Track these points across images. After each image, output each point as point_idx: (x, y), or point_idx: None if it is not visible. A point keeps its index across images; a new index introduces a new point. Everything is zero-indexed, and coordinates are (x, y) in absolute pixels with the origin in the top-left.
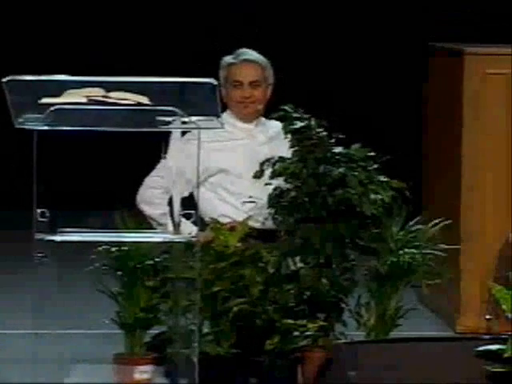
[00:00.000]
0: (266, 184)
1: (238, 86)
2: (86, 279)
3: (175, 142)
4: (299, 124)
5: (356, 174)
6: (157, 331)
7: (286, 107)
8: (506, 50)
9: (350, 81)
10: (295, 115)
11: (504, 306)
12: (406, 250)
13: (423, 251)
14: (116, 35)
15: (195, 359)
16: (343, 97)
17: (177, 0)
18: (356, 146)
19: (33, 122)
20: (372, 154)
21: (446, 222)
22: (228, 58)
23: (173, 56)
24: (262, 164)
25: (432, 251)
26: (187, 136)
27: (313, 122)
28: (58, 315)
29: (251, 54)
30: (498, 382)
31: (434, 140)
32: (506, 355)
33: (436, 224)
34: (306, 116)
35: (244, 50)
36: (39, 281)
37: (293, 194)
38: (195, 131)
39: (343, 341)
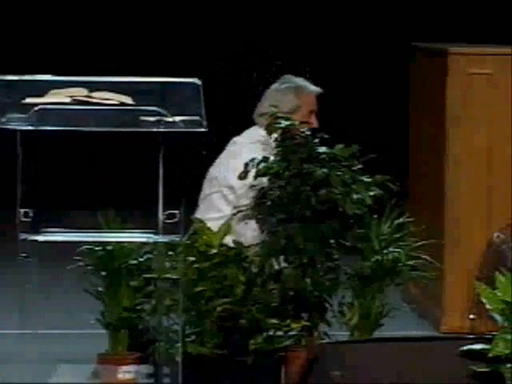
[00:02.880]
0: (251, 186)
1: (312, 113)
2: (70, 279)
3: None
4: (283, 123)
5: (340, 173)
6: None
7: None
8: (489, 49)
9: (334, 81)
10: (279, 114)
11: (488, 306)
12: (391, 249)
13: (407, 252)
14: (99, 35)
15: (179, 359)
16: (328, 97)
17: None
18: (340, 146)
19: (16, 122)
20: (356, 153)
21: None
22: (305, 86)
23: (156, 56)
24: (246, 165)
25: (417, 253)
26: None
27: (297, 122)
28: (42, 315)
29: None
30: (482, 382)
31: (419, 139)
32: (490, 355)
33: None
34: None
35: (298, 78)
36: (23, 281)
37: (276, 193)
38: None
39: (327, 340)
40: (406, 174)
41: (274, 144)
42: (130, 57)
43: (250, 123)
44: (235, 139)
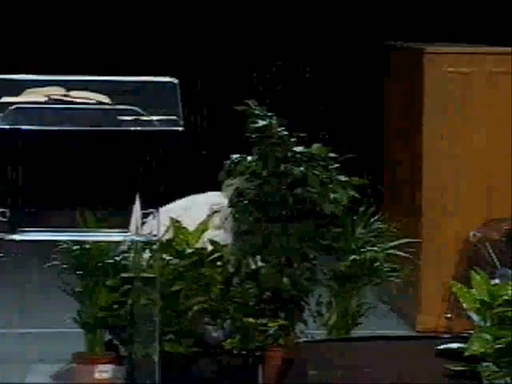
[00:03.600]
0: (228, 185)
1: None
2: (46, 278)
3: None
4: (261, 123)
5: (317, 173)
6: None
7: (249, 102)
8: (465, 48)
9: (310, 80)
10: (257, 112)
11: (464, 305)
12: (368, 248)
13: (385, 250)
14: (77, 35)
15: (156, 358)
16: (305, 96)
17: None
18: (317, 145)
19: None
20: (332, 154)
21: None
22: None
23: (134, 55)
24: (225, 165)
25: (393, 251)
26: None
27: (274, 121)
28: (17, 314)
29: None
30: (458, 381)
31: (395, 138)
32: (466, 354)
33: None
34: (268, 114)
35: None
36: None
37: (253, 193)
38: None
39: (304, 339)
40: (381, 173)
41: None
42: (108, 56)
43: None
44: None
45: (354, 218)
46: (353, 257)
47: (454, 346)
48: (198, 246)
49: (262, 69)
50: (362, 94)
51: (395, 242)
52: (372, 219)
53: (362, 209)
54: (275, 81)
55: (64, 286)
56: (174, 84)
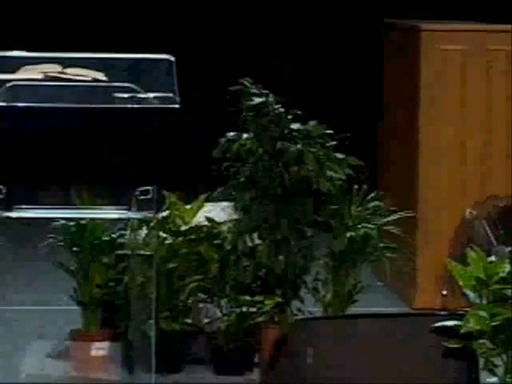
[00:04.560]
0: (226, 167)
1: None
2: (43, 256)
3: None
4: (256, 100)
5: (313, 150)
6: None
7: (244, 81)
8: (461, 26)
9: (308, 58)
10: (253, 91)
11: (460, 283)
12: (364, 225)
13: (380, 226)
14: (73, 11)
15: (152, 335)
16: (301, 74)
17: None
18: (313, 122)
19: None
20: (329, 131)
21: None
22: None
23: (130, 32)
24: (220, 143)
25: (389, 227)
26: None
27: (270, 99)
28: (14, 292)
29: None
30: (454, 358)
31: (392, 117)
32: (462, 331)
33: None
34: (263, 92)
35: None
36: None
37: (249, 171)
38: None
39: (300, 317)
40: (376, 152)
41: None
42: (104, 33)
43: None
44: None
45: (350, 195)
46: (349, 234)
47: (450, 323)
48: (194, 223)
49: (258, 47)
50: (360, 72)
51: (390, 218)
52: (368, 197)
53: (356, 187)
54: (272, 58)
55: (60, 263)
56: (171, 61)
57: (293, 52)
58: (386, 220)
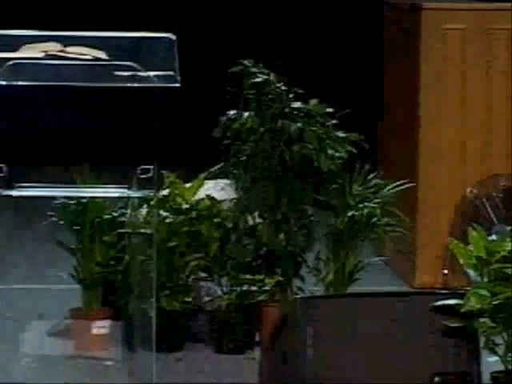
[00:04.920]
0: (226, 145)
1: None
2: (43, 234)
3: None
4: (258, 78)
5: (314, 129)
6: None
7: (245, 61)
8: (463, 5)
9: (309, 36)
10: (254, 70)
11: (461, 261)
12: (366, 203)
13: (382, 204)
14: None
15: (152, 314)
16: (302, 52)
17: None
18: (314, 101)
19: None
20: (330, 109)
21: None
22: None
23: (131, 10)
24: (221, 122)
25: (390, 206)
26: None
27: (272, 77)
28: (14, 270)
29: None
30: (455, 337)
31: (392, 95)
32: (462, 310)
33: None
34: (265, 71)
35: None
36: None
37: (250, 149)
38: None
39: (301, 296)
40: (376, 131)
41: None
42: (105, 11)
43: None
44: None
45: (352, 174)
46: (350, 213)
47: (451, 302)
48: (194, 201)
49: (259, 24)
50: (361, 51)
51: (392, 189)
52: (369, 176)
53: (358, 165)
54: (273, 36)
55: (60, 242)
56: (171, 40)
57: (294, 30)
58: (386, 193)
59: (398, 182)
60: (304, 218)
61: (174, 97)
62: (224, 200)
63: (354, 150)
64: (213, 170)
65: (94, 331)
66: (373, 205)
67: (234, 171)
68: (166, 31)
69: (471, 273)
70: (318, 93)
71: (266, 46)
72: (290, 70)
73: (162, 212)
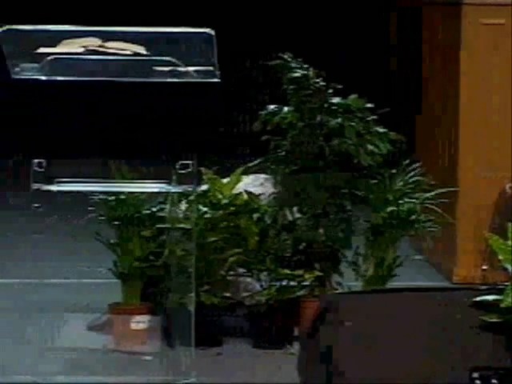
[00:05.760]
0: (266, 139)
1: None
2: (82, 229)
3: None
4: (298, 73)
5: (353, 124)
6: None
7: (284, 55)
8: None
9: (346, 32)
10: (293, 64)
11: (500, 257)
12: (406, 199)
13: (422, 202)
14: None
15: (191, 309)
16: (338, 48)
17: None
18: (353, 96)
19: (29, 72)
20: (369, 105)
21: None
22: None
23: (171, 5)
24: (260, 116)
25: (430, 203)
26: None
27: (311, 72)
28: (53, 265)
29: None
30: (493, 332)
31: (431, 90)
32: (502, 305)
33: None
34: (304, 66)
35: None
36: (36, 231)
37: (289, 144)
38: None
39: (340, 291)
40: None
41: None
42: (145, 6)
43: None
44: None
45: (393, 170)
46: (390, 208)
47: (490, 297)
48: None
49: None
50: (399, 47)
51: (432, 193)
52: (409, 172)
53: (399, 161)
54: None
55: (100, 236)
56: (211, 35)
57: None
58: (427, 195)
59: (440, 190)
60: (343, 213)
61: (213, 92)
62: (263, 194)
63: (393, 149)
64: (251, 164)
65: (133, 326)
66: (413, 201)
67: (273, 166)
68: (204, 26)
69: (510, 268)
70: (356, 88)
71: (303, 41)
72: (328, 65)
73: (201, 207)
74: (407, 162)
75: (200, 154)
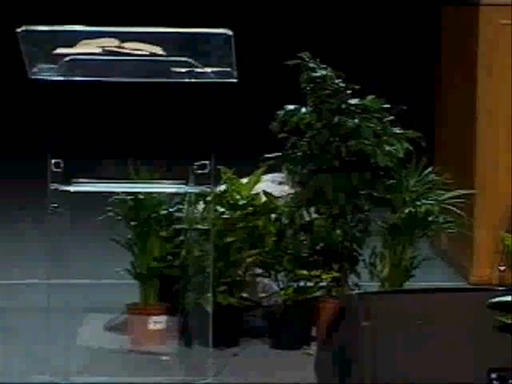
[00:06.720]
0: (281, 137)
1: None
2: (99, 229)
3: None
4: (316, 73)
5: (371, 125)
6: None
7: (302, 55)
8: None
9: (365, 32)
10: (311, 65)
11: None
12: (424, 201)
13: (440, 203)
14: None
15: (209, 309)
16: (357, 47)
17: None
18: (371, 97)
19: (47, 73)
20: (387, 105)
21: None
22: None
23: (188, 6)
24: (278, 116)
25: (448, 203)
26: None
27: (329, 73)
28: (71, 265)
29: None
30: (510, 333)
31: (448, 90)
32: None
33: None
34: (322, 66)
35: None
36: (53, 231)
37: (306, 144)
38: None
39: (357, 291)
40: (432, 125)
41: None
42: (162, 7)
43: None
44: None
45: (408, 169)
46: (408, 209)
47: (508, 298)
48: (251, 197)
49: (316, 21)
50: (416, 47)
51: (450, 194)
52: (425, 171)
53: (414, 160)
54: (328, 30)
55: (117, 237)
56: (229, 35)
57: (352, 26)
58: (445, 196)
59: (457, 192)
60: (360, 214)
61: (230, 92)
62: (281, 195)
63: (411, 148)
64: (269, 155)
65: (151, 326)
66: (431, 202)
67: (291, 166)
68: (222, 27)
69: None
70: (374, 89)
71: (322, 41)
72: (346, 66)
73: (218, 207)
74: (423, 160)
75: (217, 155)
